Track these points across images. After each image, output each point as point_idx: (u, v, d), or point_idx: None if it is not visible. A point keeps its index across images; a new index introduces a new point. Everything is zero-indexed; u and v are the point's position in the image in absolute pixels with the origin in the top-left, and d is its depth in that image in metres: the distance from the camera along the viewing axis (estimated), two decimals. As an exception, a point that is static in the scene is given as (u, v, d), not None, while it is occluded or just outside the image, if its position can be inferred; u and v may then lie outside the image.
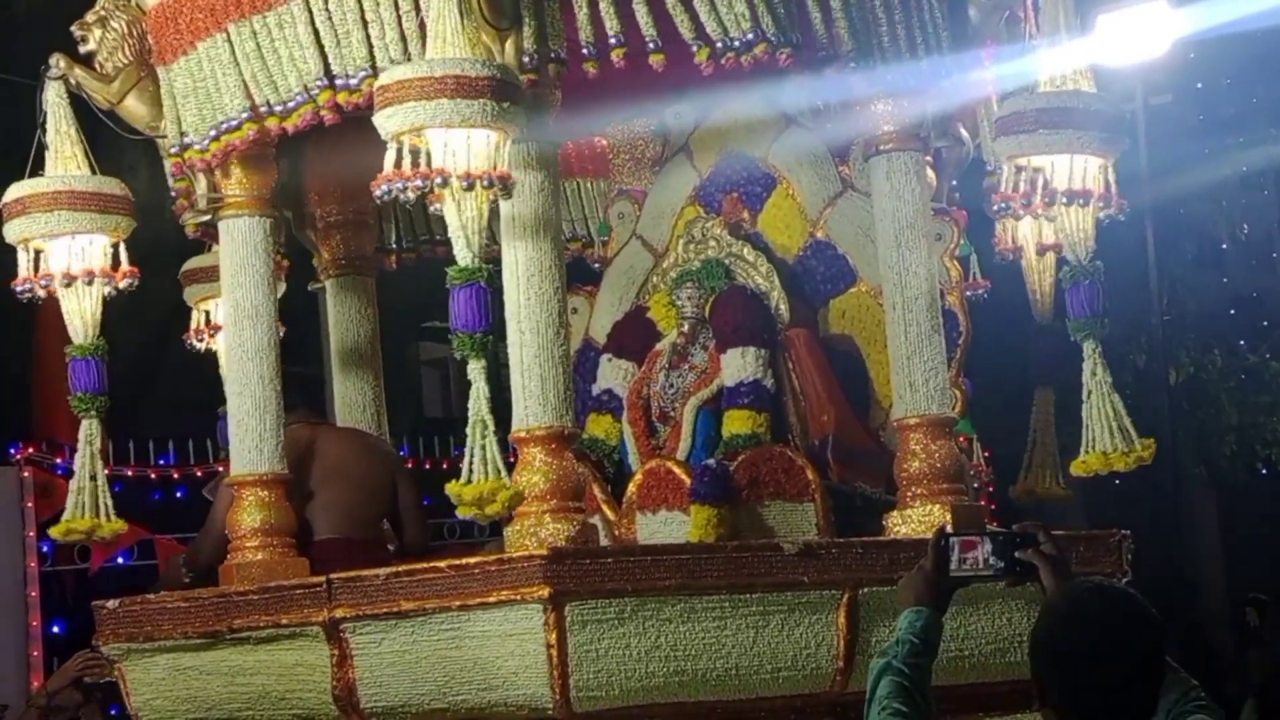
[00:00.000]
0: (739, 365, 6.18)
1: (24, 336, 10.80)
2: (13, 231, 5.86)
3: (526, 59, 5.12)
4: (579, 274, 6.95)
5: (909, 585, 3.68)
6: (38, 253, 5.89)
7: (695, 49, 5.22)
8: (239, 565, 5.77)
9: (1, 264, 6.08)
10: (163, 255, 6.93)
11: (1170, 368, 14.80)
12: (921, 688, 3.53)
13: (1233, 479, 16.77)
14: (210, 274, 6.53)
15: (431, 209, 5.05)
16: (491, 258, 5.05)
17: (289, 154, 6.33)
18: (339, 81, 5.38)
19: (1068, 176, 5.62)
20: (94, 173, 5.97)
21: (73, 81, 6.03)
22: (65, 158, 5.92)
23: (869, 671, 3.60)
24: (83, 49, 6.15)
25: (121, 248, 5.95)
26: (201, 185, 5.99)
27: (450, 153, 4.85)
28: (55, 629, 10.62)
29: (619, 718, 5.00)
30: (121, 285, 5.93)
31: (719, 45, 5.21)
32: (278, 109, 5.57)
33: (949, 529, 3.81)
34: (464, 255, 4.87)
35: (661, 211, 6.82)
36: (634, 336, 6.57)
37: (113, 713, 6.86)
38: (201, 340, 6.79)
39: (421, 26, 5.17)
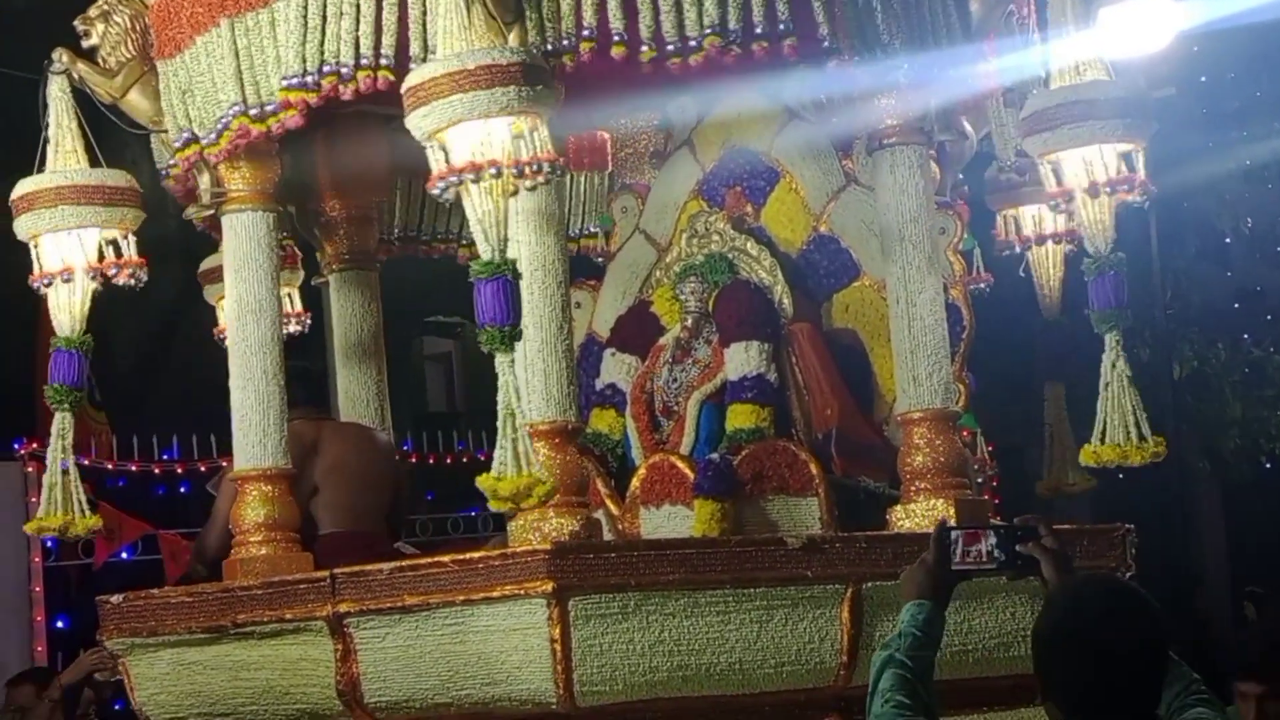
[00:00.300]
0: (742, 359, 6.18)
1: (26, 332, 10.78)
2: (23, 227, 5.85)
3: (531, 51, 5.11)
4: (582, 268, 6.95)
5: (911, 578, 3.68)
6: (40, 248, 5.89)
7: (699, 43, 5.22)
8: (243, 560, 5.77)
9: (3, 261, 6.08)
10: (166, 251, 6.95)
11: (1174, 362, 14.78)
12: (924, 680, 3.53)
13: (1237, 473, 16.75)
14: (228, 272, 6.52)
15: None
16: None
17: (292, 149, 6.33)
18: (329, 70, 5.37)
19: (1097, 166, 5.57)
20: (96, 166, 5.96)
21: (75, 76, 6.03)
22: (66, 152, 5.91)
23: (871, 664, 3.60)
24: (85, 44, 6.15)
25: (130, 240, 5.93)
26: (205, 180, 5.99)
27: (492, 143, 4.81)
28: (59, 624, 10.64)
29: (623, 712, 5.00)
30: (127, 278, 5.89)
31: (722, 39, 5.21)
32: (270, 105, 5.55)
33: (950, 522, 3.81)
34: (486, 249, 4.85)
35: (664, 206, 6.81)
36: (637, 331, 6.57)
37: (117, 708, 6.87)
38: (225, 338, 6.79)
39: (401, 21, 5.18)
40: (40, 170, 5.91)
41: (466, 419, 14.88)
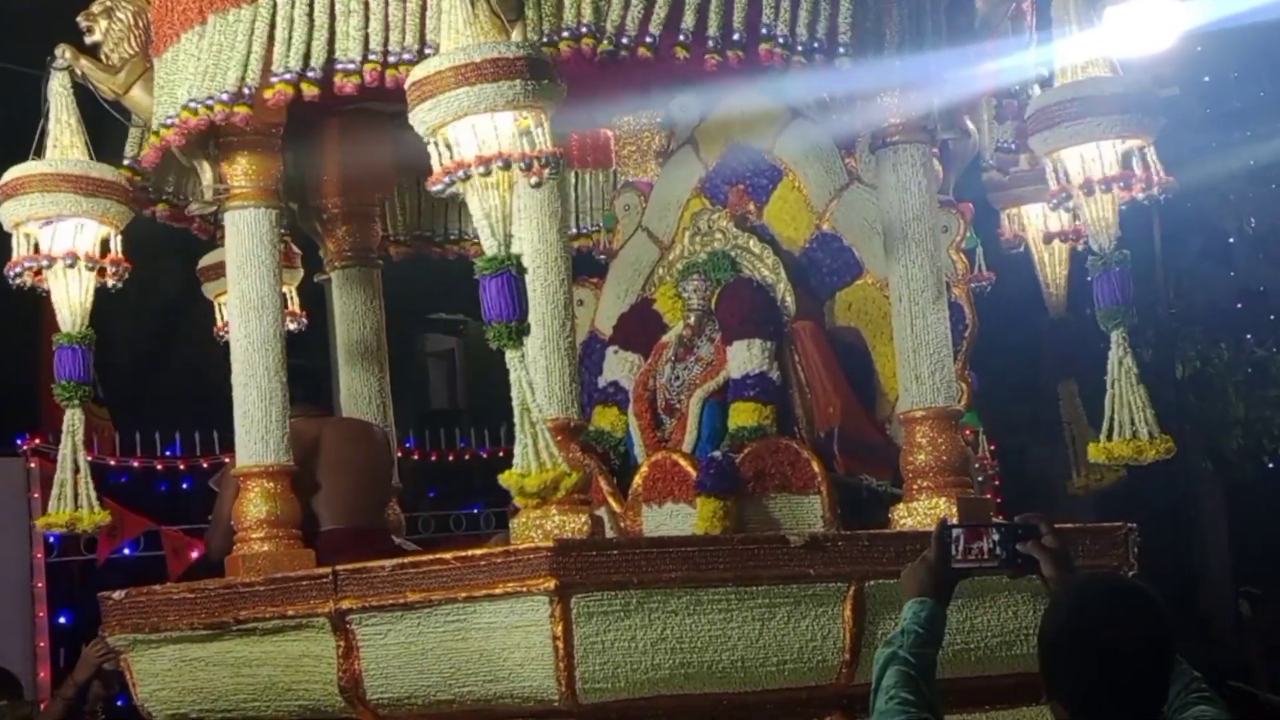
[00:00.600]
0: (745, 357, 6.17)
1: (29, 328, 10.79)
2: (10, 212, 5.84)
3: (536, 46, 5.11)
4: (585, 266, 6.95)
5: (912, 576, 3.68)
6: (30, 238, 5.87)
7: (699, 46, 5.23)
8: (245, 556, 5.77)
9: (5, 255, 6.08)
10: (168, 247, 6.95)
11: (1177, 361, 14.77)
12: (927, 677, 3.53)
13: (1240, 473, 16.73)
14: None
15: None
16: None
17: (295, 145, 6.33)
18: (348, 64, 5.38)
19: (1098, 164, 5.56)
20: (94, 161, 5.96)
21: (78, 72, 6.03)
22: (65, 147, 5.92)
23: (874, 662, 3.60)
24: (88, 40, 6.15)
25: (116, 238, 5.92)
26: (207, 176, 5.99)
27: (498, 137, 4.81)
28: (62, 620, 10.64)
29: (625, 710, 5.00)
30: (110, 276, 5.88)
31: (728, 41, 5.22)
32: (195, 104, 5.56)
33: (952, 520, 3.81)
34: (490, 245, 4.84)
35: (667, 204, 6.81)
36: (640, 329, 6.57)
37: (119, 704, 6.87)
38: (226, 335, 6.80)
39: (413, 17, 5.19)
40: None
41: (469, 416, 14.89)
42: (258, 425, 5.83)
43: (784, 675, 5.14)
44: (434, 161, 4.85)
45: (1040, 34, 5.91)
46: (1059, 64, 5.71)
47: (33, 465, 10.47)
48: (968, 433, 6.18)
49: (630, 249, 6.90)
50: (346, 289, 6.97)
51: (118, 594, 5.96)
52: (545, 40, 5.15)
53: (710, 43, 5.26)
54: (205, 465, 10.74)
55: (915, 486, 5.66)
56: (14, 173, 5.84)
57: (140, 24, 6.09)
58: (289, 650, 5.48)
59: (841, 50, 5.40)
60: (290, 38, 5.42)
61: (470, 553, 5.08)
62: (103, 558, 10.52)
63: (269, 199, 6.00)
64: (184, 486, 11.17)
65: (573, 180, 7.09)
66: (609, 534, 5.86)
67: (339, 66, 5.37)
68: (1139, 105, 5.57)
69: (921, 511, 5.58)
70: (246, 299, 5.92)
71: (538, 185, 4.90)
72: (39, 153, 5.92)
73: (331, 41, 5.39)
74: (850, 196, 6.40)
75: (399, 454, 7.42)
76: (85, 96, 6.09)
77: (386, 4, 5.32)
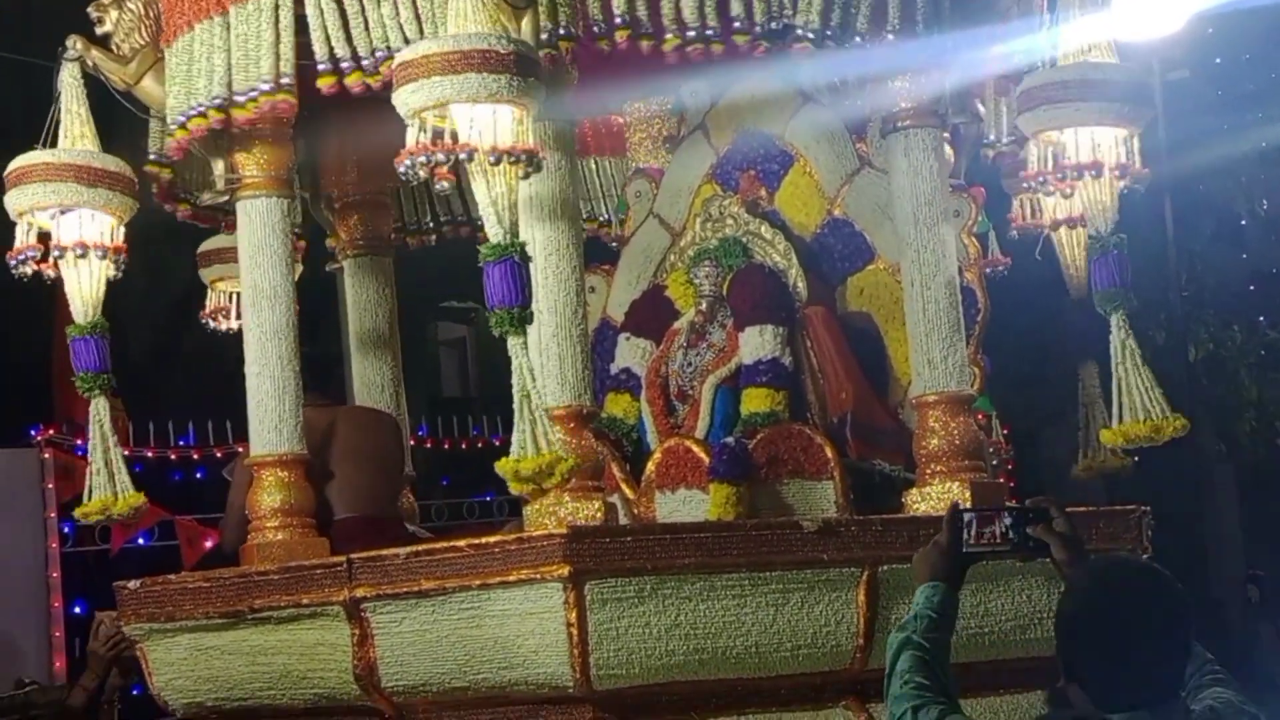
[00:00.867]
0: (757, 343, 6.17)
1: (43, 319, 10.80)
2: (14, 201, 5.84)
3: (543, 36, 5.12)
4: (596, 253, 6.95)
5: (924, 560, 3.69)
6: (35, 228, 5.88)
7: (710, 32, 5.22)
8: (260, 545, 5.78)
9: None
10: (180, 236, 6.95)
11: (1189, 344, 14.76)
12: (941, 661, 3.54)
13: (1252, 455, 16.72)
14: (227, 255, 6.54)
15: (437, 188, 5.01)
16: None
17: (306, 134, 6.33)
18: (347, 64, 5.38)
19: (1086, 149, 5.59)
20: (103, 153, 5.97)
21: (90, 63, 6.03)
22: (75, 137, 5.92)
23: (888, 646, 3.60)
24: (99, 30, 6.15)
25: (119, 228, 5.93)
26: (219, 166, 5.99)
27: (476, 129, 4.83)
28: (77, 610, 10.66)
29: (639, 696, 5.01)
30: (112, 265, 5.89)
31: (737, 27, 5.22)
32: (241, 97, 5.56)
33: (963, 505, 3.82)
34: (495, 232, 4.85)
35: (679, 190, 6.81)
36: (652, 315, 6.57)
37: (135, 693, 6.89)
38: (220, 320, 6.80)
39: (416, 12, 5.18)
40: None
41: (481, 404, 14.90)
42: (271, 414, 5.84)
43: (798, 660, 5.14)
44: (408, 141, 4.86)
45: (1052, 16, 5.90)
46: (1061, 48, 5.71)
47: (46, 456, 10.50)
48: (980, 417, 6.18)
49: (642, 235, 6.90)
50: (358, 277, 6.98)
51: (133, 583, 5.97)
52: (563, 32, 5.14)
53: (725, 30, 5.25)
54: (219, 455, 10.76)
55: (928, 471, 5.66)
56: (18, 162, 5.85)
57: (151, 14, 6.09)
58: (304, 639, 5.49)
59: (857, 36, 5.40)
60: (325, 26, 5.40)
61: (484, 540, 5.08)
62: (116, 547, 10.55)
63: (281, 188, 6.00)
64: (198, 476, 11.18)
65: (584, 167, 7.09)
66: (622, 520, 5.86)
67: (353, 62, 5.37)
68: (1126, 94, 5.58)
69: (934, 496, 5.57)
70: (259, 288, 5.92)
71: (525, 179, 4.91)
72: (51, 143, 5.93)
73: (348, 31, 5.38)
74: (861, 181, 6.39)
75: (411, 442, 7.43)
76: (97, 87, 6.09)
77: None
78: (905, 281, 5.81)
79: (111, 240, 5.87)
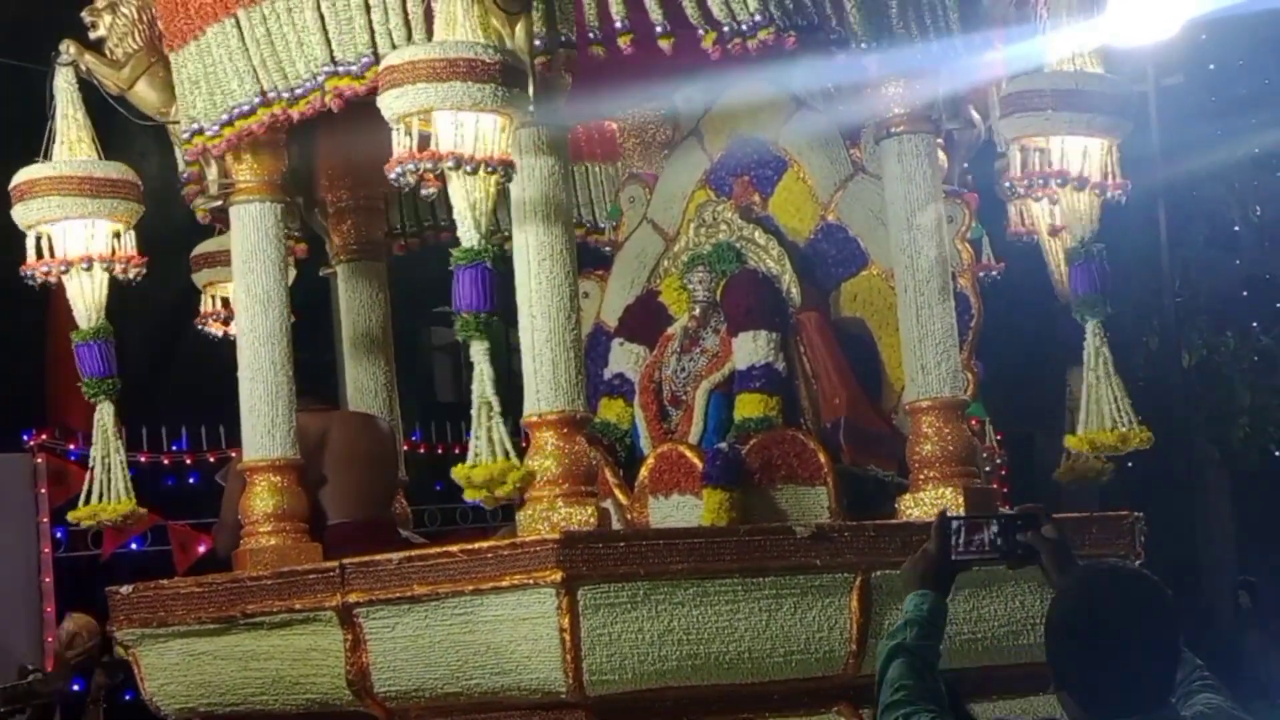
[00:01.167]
0: (750, 349, 6.17)
1: (36, 323, 10.80)
2: (20, 215, 5.87)
3: (537, 43, 5.11)
4: (590, 258, 6.95)
5: (913, 568, 3.69)
6: (44, 238, 5.90)
7: (702, 34, 5.22)
8: (252, 550, 5.77)
9: (10, 251, 6.10)
10: (174, 241, 6.94)
11: (1183, 350, 14.77)
12: (932, 668, 3.53)
13: (1245, 461, 16.74)
14: (221, 259, 6.53)
15: (424, 193, 5.02)
16: (497, 243, 5.05)
17: (300, 139, 6.33)
18: (342, 68, 5.38)
19: (1065, 158, 5.61)
20: (101, 159, 5.97)
21: (83, 68, 6.03)
22: (72, 143, 5.93)
23: (877, 654, 3.60)
24: (92, 35, 6.15)
25: (131, 234, 5.95)
26: (213, 171, 5.99)
27: (460, 136, 4.84)
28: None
29: (632, 701, 5.01)
30: (131, 273, 5.93)
31: (726, 30, 5.21)
32: (285, 95, 5.56)
33: (951, 512, 3.82)
34: (469, 236, 4.87)
35: (672, 195, 6.81)
36: (645, 321, 6.57)
37: (128, 698, 6.88)
38: (214, 324, 6.79)
39: (428, 12, 5.17)
40: (45, 161, 5.93)
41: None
42: (264, 419, 5.84)
43: (791, 666, 5.14)
44: (394, 148, 4.86)
45: (1049, 22, 5.90)
46: (1051, 54, 5.73)
47: (39, 461, 10.50)
48: (974, 423, 6.18)
49: (635, 241, 6.90)
50: (352, 282, 6.98)
51: (125, 589, 5.97)
52: (560, 39, 5.14)
53: (717, 31, 5.25)
54: (212, 460, 10.75)
55: (921, 477, 5.66)
56: (23, 176, 5.87)
57: (144, 19, 6.09)
58: (296, 644, 5.49)
59: (852, 40, 5.40)
60: (341, 31, 5.40)
61: (477, 545, 5.08)
62: (108, 552, 10.54)
63: (274, 193, 6.00)
64: (190, 481, 11.18)
65: (576, 173, 7.09)
66: (615, 526, 5.86)
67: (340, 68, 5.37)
68: (1103, 105, 5.61)
69: (928, 502, 5.57)
70: (252, 293, 5.92)
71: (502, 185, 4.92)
72: (48, 149, 5.94)
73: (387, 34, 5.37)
74: (855, 187, 6.39)
75: (405, 447, 7.42)
76: (90, 90, 6.09)
77: None
78: (899, 287, 5.81)
79: (124, 249, 5.90)
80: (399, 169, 4.83)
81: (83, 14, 6.20)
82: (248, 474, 5.87)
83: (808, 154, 6.50)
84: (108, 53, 6.14)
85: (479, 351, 4.87)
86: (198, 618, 5.72)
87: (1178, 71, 14.24)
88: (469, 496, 4.97)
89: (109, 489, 5.90)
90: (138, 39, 6.11)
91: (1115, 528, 5.78)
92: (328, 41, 5.42)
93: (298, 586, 5.44)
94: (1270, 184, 16.20)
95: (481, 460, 4.87)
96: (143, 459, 10.92)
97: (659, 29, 5.19)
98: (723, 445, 5.95)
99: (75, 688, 6.84)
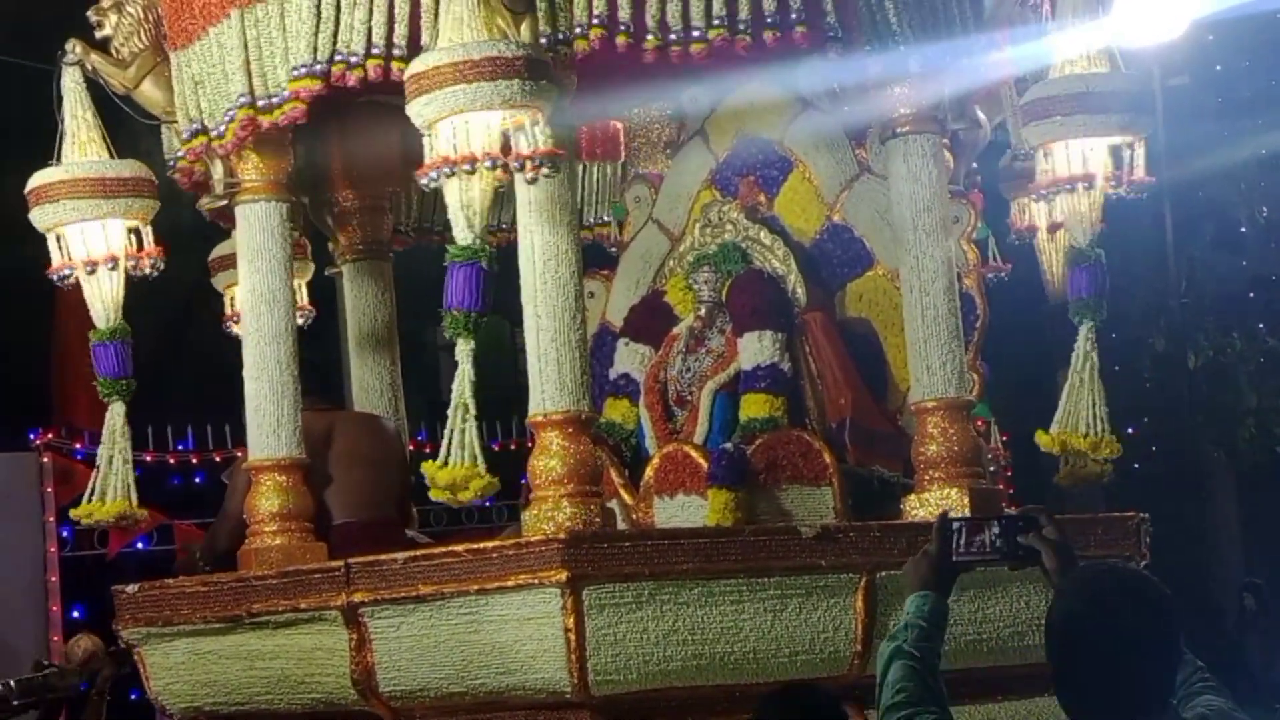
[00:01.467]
0: (756, 349, 6.17)
1: (43, 322, 10.81)
2: (37, 219, 5.90)
3: (542, 41, 5.11)
4: (595, 258, 6.95)
5: (914, 569, 3.69)
6: (62, 239, 5.93)
7: (701, 34, 5.23)
8: (257, 550, 5.78)
9: (16, 250, 6.11)
10: (181, 239, 6.94)
11: (1189, 351, 14.74)
12: (933, 670, 3.53)
13: (1252, 462, 16.69)
14: (233, 261, 6.53)
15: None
16: (495, 244, 5.06)
17: (306, 139, 6.34)
18: (340, 58, 5.36)
19: (1076, 160, 5.61)
20: (112, 157, 5.98)
21: (89, 67, 6.04)
22: (82, 143, 5.95)
23: (879, 656, 3.60)
24: (98, 34, 6.16)
25: (148, 230, 5.98)
26: (218, 170, 6.00)
27: (490, 135, 4.82)
28: (75, 614, 10.66)
29: (637, 701, 5.01)
30: (146, 268, 5.95)
31: (726, 30, 5.22)
32: (276, 97, 5.56)
33: (952, 513, 3.81)
34: (464, 235, 4.87)
35: (678, 195, 6.81)
36: (651, 321, 6.57)
37: (133, 697, 6.89)
38: (235, 326, 6.80)
39: (414, 8, 5.18)
40: (57, 161, 5.94)
41: (480, 409, 14.87)
42: (269, 419, 5.84)
43: (796, 666, 5.14)
44: (426, 154, 4.86)
45: (1056, 23, 5.91)
46: (1057, 55, 5.73)
47: (45, 459, 10.50)
48: (979, 423, 6.18)
49: (640, 241, 6.89)
50: (358, 282, 6.99)
51: (131, 588, 5.98)
52: (561, 37, 5.14)
53: (723, 31, 5.25)
54: (218, 459, 10.75)
55: (927, 477, 5.66)
56: (37, 180, 5.90)
57: (150, 18, 6.10)
58: (302, 643, 5.49)
59: (858, 40, 5.41)
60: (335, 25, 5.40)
61: (482, 545, 5.09)
62: (114, 552, 10.54)
63: (280, 193, 6.01)
64: (197, 480, 11.18)
65: (582, 172, 7.09)
66: (621, 526, 5.86)
67: (339, 59, 5.36)
68: (1132, 104, 5.62)
69: (933, 502, 5.57)
70: (257, 293, 5.93)
71: (533, 182, 4.92)
72: (57, 149, 5.95)
73: (335, 34, 5.38)
74: (861, 187, 6.39)
75: (410, 446, 7.43)
76: (95, 89, 6.10)
77: None
78: (904, 287, 5.81)
79: (144, 245, 5.91)
80: (433, 174, 4.83)
81: (88, 13, 6.21)
82: (253, 473, 5.87)
83: (813, 154, 6.50)
84: (113, 52, 6.15)
85: (464, 351, 4.88)
86: (203, 617, 5.73)
87: (1184, 72, 14.21)
88: (434, 495, 4.99)
89: (110, 489, 5.90)
90: (143, 38, 6.12)
91: (1120, 529, 5.77)
92: (316, 37, 5.41)
93: (303, 586, 5.44)
94: (1277, 185, 16.14)
95: (450, 461, 4.88)
96: (148, 458, 10.93)
97: (655, 29, 5.19)
98: (728, 445, 5.96)
99: (81, 688, 6.85)
